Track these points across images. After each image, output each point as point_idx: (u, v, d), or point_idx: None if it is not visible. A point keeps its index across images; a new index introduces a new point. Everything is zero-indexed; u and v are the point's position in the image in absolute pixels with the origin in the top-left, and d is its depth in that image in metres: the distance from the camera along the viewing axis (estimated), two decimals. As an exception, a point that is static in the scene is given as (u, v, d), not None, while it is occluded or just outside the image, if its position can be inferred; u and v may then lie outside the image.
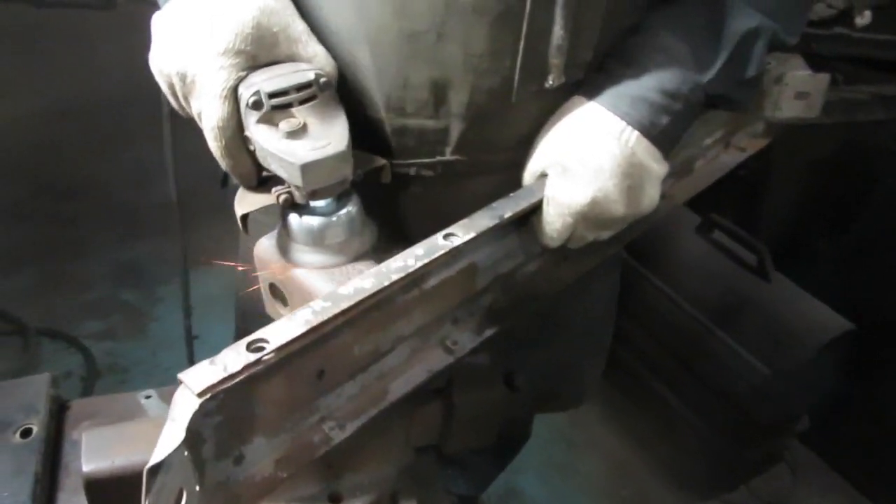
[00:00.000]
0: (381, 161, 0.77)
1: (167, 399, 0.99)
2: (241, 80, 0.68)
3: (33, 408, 0.89)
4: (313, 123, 0.67)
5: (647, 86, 0.76)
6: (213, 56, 0.67)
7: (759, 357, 1.87)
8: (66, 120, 3.09)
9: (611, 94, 0.77)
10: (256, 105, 0.66)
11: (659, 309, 2.04)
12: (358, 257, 0.71)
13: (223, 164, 0.71)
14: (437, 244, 0.65)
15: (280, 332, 0.54)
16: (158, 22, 0.72)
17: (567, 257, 0.83)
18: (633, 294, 2.08)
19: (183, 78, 0.69)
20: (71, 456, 0.88)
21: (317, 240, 0.70)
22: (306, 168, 0.64)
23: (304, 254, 0.71)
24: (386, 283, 0.59)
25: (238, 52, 0.67)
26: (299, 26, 0.72)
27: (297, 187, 0.68)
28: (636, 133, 0.75)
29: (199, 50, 0.67)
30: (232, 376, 0.50)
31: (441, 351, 0.73)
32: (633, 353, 2.13)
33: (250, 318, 1.24)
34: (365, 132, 0.81)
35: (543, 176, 0.78)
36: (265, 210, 1.04)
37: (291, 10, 0.73)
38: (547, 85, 0.76)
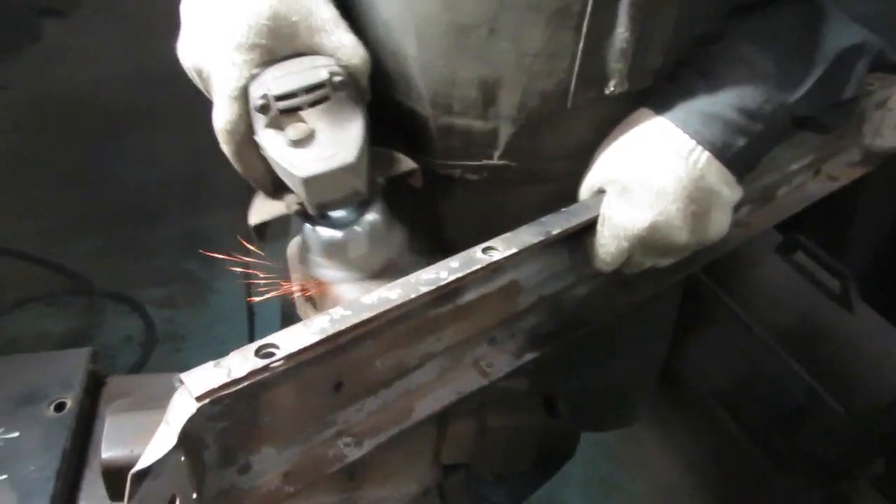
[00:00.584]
0: (411, 165, 0.70)
1: (201, 384, 0.98)
2: (253, 77, 0.63)
3: (69, 382, 0.89)
4: (323, 129, 0.61)
5: (724, 102, 0.69)
6: (226, 51, 0.62)
7: (833, 393, 1.74)
8: (147, 86, 3.17)
9: (682, 108, 0.69)
10: (263, 108, 0.61)
11: (727, 329, 1.93)
12: (384, 268, 0.66)
13: (236, 167, 0.67)
14: (474, 257, 0.59)
15: (292, 338, 0.50)
16: (183, 9, 0.68)
17: (625, 284, 0.76)
18: (700, 311, 1.97)
19: (199, 73, 0.65)
20: (101, 433, 0.88)
21: (335, 253, 0.65)
22: (309, 182, 0.59)
23: (324, 268, 0.66)
24: (413, 296, 0.54)
25: (252, 47, 0.62)
26: (325, 13, 0.66)
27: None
28: (707, 154, 0.68)
29: (213, 44, 0.63)
30: (235, 381, 0.47)
31: (475, 372, 0.69)
32: (695, 373, 2.02)
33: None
34: (409, 128, 0.77)
35: (601, 192, 0.72)
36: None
37: None
38: (607, 91, 0.69)
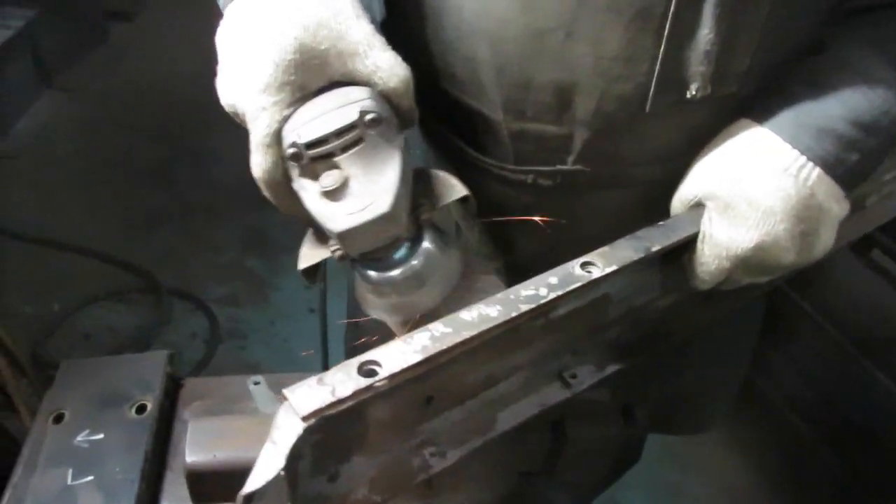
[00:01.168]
0: (463, 192, 0.65)
1: (274, 386, 0.99)
2: (286, 119, 0.59)
3: (149, 385, 0.91)
4: (356, 175, 0.58)
5: (837, 115, 0.64)
6: (254, 94, 0.59)
7: (914, 399, 1.67)
8: (210, 86, 3.23)
9: (790, 121, 0.65)
10: (295, 157, 0.58)
11: (802, 333, 1.86)
12: (451, 291, 0.63)
13: (281, 210, 0.65)
14: (573, 274, 0.57)
15: (394, 357, 0.49)
16: (218, 42, 0.65)
17: (709, 296, 0.73)
18: (775, 314, 1.91)
19: (235, 116, 0.63)
20: (181, 435, 0.90)
21: (389, 292, 0.63)
22: (344, 236, 0.57)
23: (379, 309, 0.64)
24: (514, 314, 0.53)
25: (281, 87, 0.59)
26: (355, 34, 0.61)
27: None
28: (818, 170, 0.64)
29: (242, 85, 0.60)
30: (341, 401, 0.46)
31: (558, 384, 0.67)
32: (767, 378, 1.96)
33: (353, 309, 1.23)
34: (481, 132, 0.75)
35: (699, 206, 0.68)
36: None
37: (350, 11, 0.62)
38: (688, 96, 0.66)
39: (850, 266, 1.81)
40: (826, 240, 0.67)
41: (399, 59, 0.62)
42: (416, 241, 0.62)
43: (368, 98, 0.59)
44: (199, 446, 0.74)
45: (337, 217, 0.57)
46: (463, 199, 0.65)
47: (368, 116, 0.58)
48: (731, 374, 1.13)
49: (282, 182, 0.61)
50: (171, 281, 2.44)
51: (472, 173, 0.78)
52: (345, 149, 0.58)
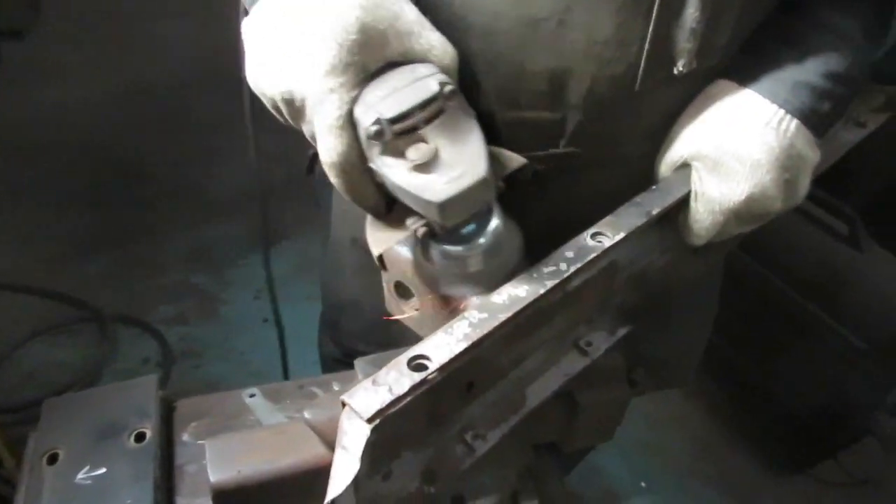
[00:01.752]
0: (521, 160, 0.66)
1: (270, 397, 0.98)
2: (354, 100, 0.58)
3: (144, 411, 0.88)
4: (444, 146, 0.57)
5: (811, 69, 0.69)
6: (318, 77, 0.57)
7: (853, 331, 1.79)
8: (137, 102, 3.11)
9: (768, 79, 0.69)
10: (378, 135, 0.57)
11: (746, 284, 1.96)
12: (512, 271, 0.62)
13: (346, 197, 0.63)
14: (587, 245, 0.59)
15: (441, 349, 0.50)
16: (249, 33, 0.63)
17: (696, 251, 0.77)
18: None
19: (289, 103, 0.61)
20: (183, 458, 0.88)
21: (463, 267, 0.62)
22: (444, 206, 0.56)
23: (454, 285, 0.63)
24: (542, 291, 0.54)
25: (346, 67, 0.58)
26: (409, 15, 0.62)
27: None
28: (795, 122, 0.69)
29: (302, 70, 0.58)
30: (399, 399, 0.47)
31: (576, 353, 0.69)
32: (718, 328, 2.06)
33: (335, 305, 1.22)
34: None
35: (685, 167, 0.72)
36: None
37: None
38: (675, 72, 0.69)
39: (783, 215, 1.93)
40: (805, 184, 0.72)
41: (445, 38, 0.63)
42: (488, 213, 0.62)
43: (438, 72, 0.60)
44: (221, 464, 0.73)
45: (435, 187, 0.56)
46: (521, 168, 0.66)
47: (448, 88, 0.59)
48: (704, 328, 1.19)
49: (357, 165, 0.60)
50: (114, 307, 2.35)
51: None
52: (428, 121, 0.58)
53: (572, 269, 0.56)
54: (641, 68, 0.68)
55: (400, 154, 0.57)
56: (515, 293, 0.54)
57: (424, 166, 0.56)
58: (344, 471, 0.46)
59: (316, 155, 1.27)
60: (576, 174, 0.78)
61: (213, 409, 0.96)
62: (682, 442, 2.13)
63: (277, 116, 0.65)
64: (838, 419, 1.93)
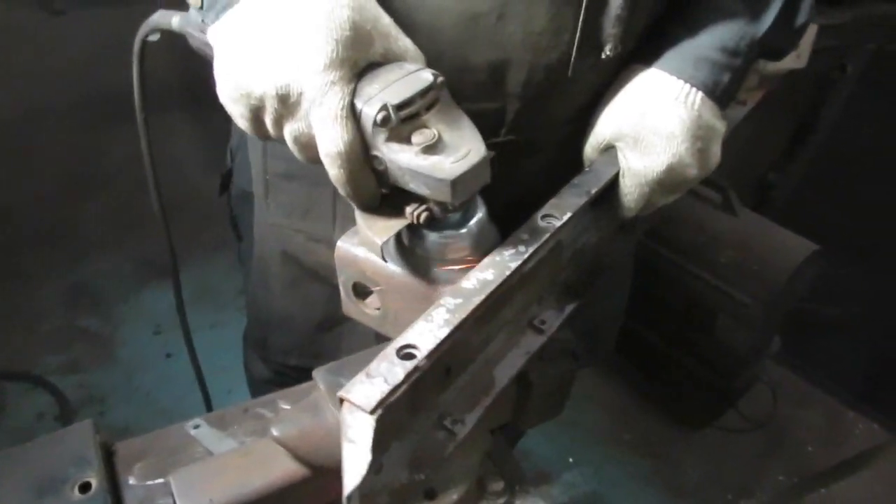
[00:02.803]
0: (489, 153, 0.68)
1: (216, 424, 0.94)
2: (353, 93, 0.60)
3: (84, 459, 0.83)
4: (445, 130, 0.61)
5: (707, 45, 0.76)
6: (318, 71, 0.59)
7: (738, 288, 1.95)
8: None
9: (672, 57, 0.76)
10: (385, 121, 0.59)
11: (637, 258, 2.09)
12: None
13: (344, 190, 0.63)
14: (539, 227, 0.63)
15: (425, 336, 0.52)
16: (223, 37, 0.63)
17: (622, 227, 0.83)
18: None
19: (283, 99, 0.61)
20: (133, 502, 0.83)
21: (450, 253, 0.65)
22: (457, 183, 0.59)
23: (444, 273, 0.65)
24: (507, 273, 0.57)
25: (343, 62, 0.59)
26: (385, 19, 0.65)
27: (439, 203, 0.62)
28: (700, 94, 0.75)
29: (299, 64, 0.59)
30: (396, 388, 0.48)
31: (531, 331, 0.73)
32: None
33: (263, 322, 1.19)
34: None
35: (609, 147, 0.77)
36: (289, 212, 0.99)
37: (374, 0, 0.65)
38: (604, 56, 0.75)
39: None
40: (716, 152, 0.79)
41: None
42: (471, 202, 0.66)
43: (424, 67, 0.63)
44: (190, 496, 0.71)
45: (444, 167, 0.59)
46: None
47: (440, 79, 0.62)
48: (619, 306, 1.27)
49: (360, 154, 0.61)
50: (-4, 363, 2.16)
51: None
52: (428, 108, 0.61)
53: (530, 249, 0.60)
54: (573, 55, 0.74)
55: (404, 140, 0.60)
56: (484, 277, 0.57)
57: (431, 148, 0.60)
58: (356, 463, 0.47)
59: (230, 173, 1.24)
60: (514, 159, 0.83)
61: (155, 447, 0.91)
62: (599, 415, 2.24)
63: (247, 124, 0.65)
64: (733, 372, 2.10)
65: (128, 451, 0.91)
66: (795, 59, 1.10)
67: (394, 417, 0.53)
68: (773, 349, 2.25)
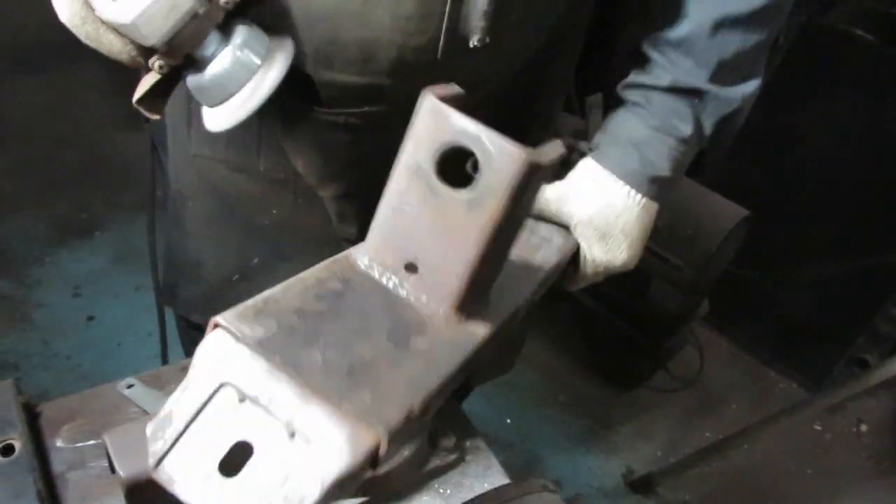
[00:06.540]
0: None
1: (151, 384, 0.89)
2: None
3: (6, 420, 0.78)
4: None
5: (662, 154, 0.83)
6: None
7: (670, 252, 2.00)
8: None
9: (622, 162, 0.83)
10: None
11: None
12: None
13: (101, 51, 0.61)
14: None
15: None
16: None
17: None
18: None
19: None
20: (62, 465, 0.78)
21: (223, 88, 0.64)
22: (139, 23, 0.56)
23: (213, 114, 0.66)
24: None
25: None
26: None
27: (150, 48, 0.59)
28: (655, 204, 0.85)
29: None
30: None
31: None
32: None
33: (176, 267, 1.13)
34: (296, 80, 0.78)
35: (570, 227, 0.85)
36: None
37: None
38: (471, 45, 0.76)
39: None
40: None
41: None
42: (227, 29, 0.63)
43: None
44: (128, 457, 0.66)
45: (126, 6, 0.56)
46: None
47: None
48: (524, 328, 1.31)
49: (88, 16, 0.59)
50: None
51: (295, 118, 0.85)
52: None
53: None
54: (441, 41, 0.76)
55: None
56: None
57: None
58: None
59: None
60: (389, 129, 0.82)
61: (84, 409, 0.86)
62: (536, 377, 2.28)
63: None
64: (665, 334, 2.16)
65: (54, 413, 0.86)
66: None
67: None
68: (701, 312, 2.33)
